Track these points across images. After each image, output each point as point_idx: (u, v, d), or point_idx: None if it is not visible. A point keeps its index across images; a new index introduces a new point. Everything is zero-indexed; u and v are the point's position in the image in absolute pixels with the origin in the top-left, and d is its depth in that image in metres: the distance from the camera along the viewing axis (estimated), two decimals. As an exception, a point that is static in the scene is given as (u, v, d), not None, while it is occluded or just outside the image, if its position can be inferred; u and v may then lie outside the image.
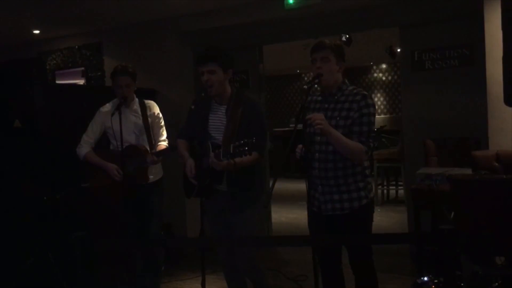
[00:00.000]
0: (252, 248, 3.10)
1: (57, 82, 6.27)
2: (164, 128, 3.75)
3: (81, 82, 6.14)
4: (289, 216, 6.57)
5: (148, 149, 3.59)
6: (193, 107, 3.07)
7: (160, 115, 3.75)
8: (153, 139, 3.66)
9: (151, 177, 3.60)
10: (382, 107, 11.52)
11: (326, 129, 2.53)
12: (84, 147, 3.61)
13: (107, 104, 3.69)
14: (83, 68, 6.11)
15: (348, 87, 2.73)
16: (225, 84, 2.97)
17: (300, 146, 2.66)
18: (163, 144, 3.67)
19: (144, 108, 3.67)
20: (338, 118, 2.64)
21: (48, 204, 3.89)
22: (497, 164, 3.78)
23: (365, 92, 2.70)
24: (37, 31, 5.93)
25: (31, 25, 5.70)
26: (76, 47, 6.14)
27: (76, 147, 3.63)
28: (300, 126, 2.66)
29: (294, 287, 4.07)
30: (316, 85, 2.69)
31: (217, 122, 3.01)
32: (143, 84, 3.83)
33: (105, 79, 5.83)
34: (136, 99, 3.69)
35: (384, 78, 11.57)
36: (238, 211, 2.98)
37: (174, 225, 5.12)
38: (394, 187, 7.71)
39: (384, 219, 6.27)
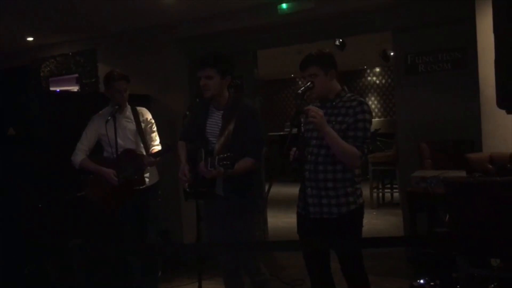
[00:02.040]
0: (254, 251, 3.09)
1: (51, 89, 6.26)
2: (156, 133, 3.78)
3: (75, 88, 6.13)
4: (286, 221, 6.58)
5: (144, 153, 3.60)
6: (187, 113, 3.09)
7: (153, 120, 3.77)
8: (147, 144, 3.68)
9: (147, 180, 3.61)
10: (376, 110, 11.57)
11: (320, 124, 2.53)
12: (79, 155, 3.60)
13: (100, 112, 3.70)
14: (77, 75, 6.10)
15: (346, 94, 2.75)
16: (222, 89, 2.99)
17: (294, 149, 2.66)
18: (157, 148, 3.68)
19: (136, 114, 3.69)
20: (333, 123, 2.65)
21: (44, 212, 3.87)
22: (490, 166, 3.80)
23: (362, 99, 2.71)
24: (31, 38, 5.91)
25: (25, 32, 5.68)
26: (70, 53, 6.13)
27: (71, 154, 3.63)
28: (295, 130, 2.67)
29: (291, 292, 4.08)
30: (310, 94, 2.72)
31: (214, 127, 3.03)
32: (138, 91, 3.84)
33: (99, 85, 5.82)
34: (128, 106, 3.71)
35: (377, 81, 11.62)
36: (235, 217, 2.98)
37: (171, 232, 5.11)
38: (389, 190, 7.73)
39: (380, 222, 6.28)
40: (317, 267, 2.84)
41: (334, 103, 2.73)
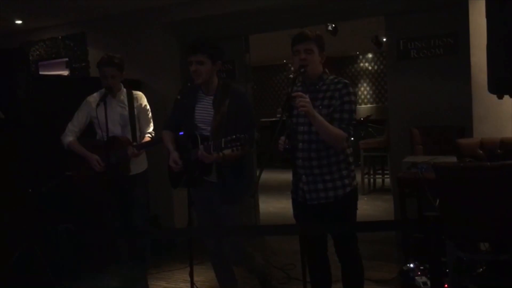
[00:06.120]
0: (240, 238, 3.11)
1: (41, 73, 6.18)
2: (151, 120, 3.74)
3: (65, 73, 6.06)
4: (276, 206, 6.60)
5: (131, 140, 3.57)
6: (179, 97, 3.06)
7: (148, 106, 3.73)
8: (138, 131, 3.64)
9: (133, 168, 3.58)
10: (368, 96, 11.56)
11: (311, 112, 2.52)
12: (69, 136, 3.60)
13: (95, 94, 3.67)
14: (67, 59, 6.03)
15: (329, 77, 2.74)
16: (212, 75, 2.97)
17: (283, 138, 2.65)
18: (148, 136, 3.65)
19: (131, 99, 3.65)
20: (320, 107, 2.64)
21: (33, 197, 3.85)
22: (481, 151, 3.83)
23: (346, 81, 2.71)
24: (19, 22, 5.82)
25: (14, 16, 5.59)
26: (60, 37, 6.04)
27: (59, 139, 3.61)
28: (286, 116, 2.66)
29: (283, 276, 4.10)
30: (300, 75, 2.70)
31: (204, 113, 3.01)
32: (128, 75, 3.79)
33: (89, 70, 5.76)
34: (124, 90, 3.66)
35: (370, 67, 11.59)
36: (226, 203, 2.98)
37: (162, 216, 5.11)
38: (380, 176, 7.76)
39: (371, 208, 6.32)
40: (314, 251, 2.86)
41: (317, 87, 2.72)
